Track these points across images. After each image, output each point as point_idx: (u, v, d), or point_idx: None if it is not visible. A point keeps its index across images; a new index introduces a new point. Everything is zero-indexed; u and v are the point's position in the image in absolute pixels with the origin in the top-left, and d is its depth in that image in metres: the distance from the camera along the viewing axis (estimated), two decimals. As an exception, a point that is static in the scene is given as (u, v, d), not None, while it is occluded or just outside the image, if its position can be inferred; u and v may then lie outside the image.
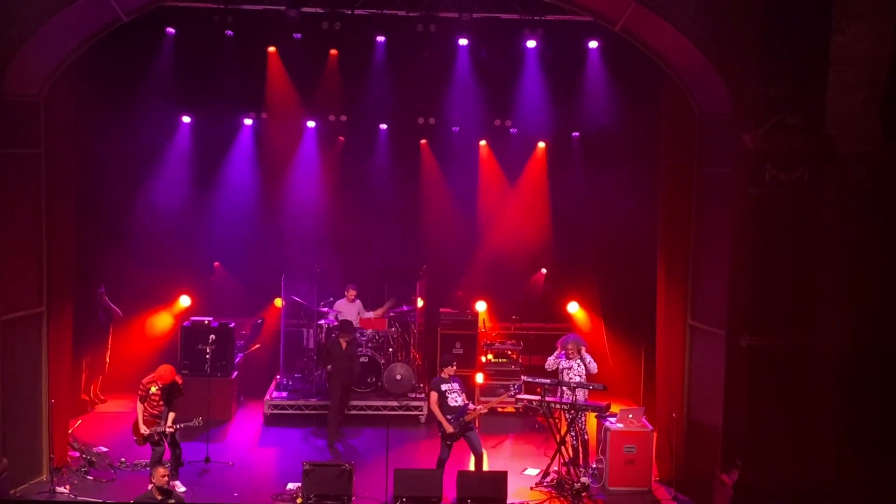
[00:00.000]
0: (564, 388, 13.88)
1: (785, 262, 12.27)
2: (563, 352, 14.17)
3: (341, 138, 18.30)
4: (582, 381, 13.98)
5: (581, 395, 13.93)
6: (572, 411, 13.77)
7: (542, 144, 18.46)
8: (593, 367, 14.13)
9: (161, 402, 13.06)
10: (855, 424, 12.46)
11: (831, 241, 12.36)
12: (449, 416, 13.21)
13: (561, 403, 13.80)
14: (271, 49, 16.83)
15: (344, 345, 15.28)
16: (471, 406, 13.57)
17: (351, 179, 18.47)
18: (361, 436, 15.43)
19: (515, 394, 14.64)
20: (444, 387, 13.37)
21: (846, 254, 12.40)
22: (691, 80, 13.07)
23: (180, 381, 13.36)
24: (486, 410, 13.94)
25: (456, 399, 13.34)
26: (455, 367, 13.63)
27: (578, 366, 14.09)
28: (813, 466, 12.37)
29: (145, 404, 13.05)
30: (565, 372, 14.09)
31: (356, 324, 16.80)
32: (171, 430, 13.04)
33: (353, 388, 15.85)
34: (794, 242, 12.28)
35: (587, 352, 14.29)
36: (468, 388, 14.87)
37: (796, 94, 12.06)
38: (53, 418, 13.34)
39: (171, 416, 13.13)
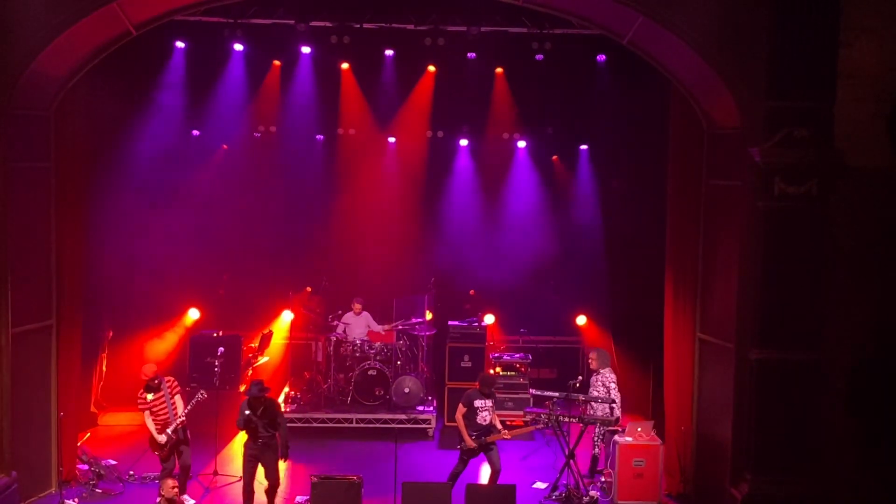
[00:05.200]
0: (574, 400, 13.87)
1: (793, 276, 12.24)
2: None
3: (354, 150, 18.35)
4: (600, 395, 13.94)
5: (600, 409, 13.93)
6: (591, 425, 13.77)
7: (554, 157, 18.52)
8: (615, 392, 14.03)
9: (163, 404, 12.91)
10: (864, 438, 12.44)
11: (840, 255, 12.34)
12: (473, 433, 13.12)
13: (569, 416, 13.78)
14: (277, 63, 16.94)
15: (255, 411, 12.60)
16: (497, 427, 13.24)
17: (359, 192, 18.50)
18: (370, 449, 15.40)
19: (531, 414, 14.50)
20: (477, 403, 13.14)
21: (855, 267, 12.39)
22: (699, 93, 13.08)
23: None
24: (509, 437, 13.35)
25: (486, 418, 13.15)
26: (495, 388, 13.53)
27: (605, 379, 14.08)
28: (822, 480, 12.33)
29: (151, 415, 13.04)
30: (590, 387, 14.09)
31: (364, 336, 16.79)
32: (182, 418, 12.87)
33: (276, 465, 12.77)
34: (803, 256, 12.24)
35: (614, 375, 14.18)
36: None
37: (805, 107, 12.05)
38: (62, 431, 13.37)
39: (178, 401, 12.96)
